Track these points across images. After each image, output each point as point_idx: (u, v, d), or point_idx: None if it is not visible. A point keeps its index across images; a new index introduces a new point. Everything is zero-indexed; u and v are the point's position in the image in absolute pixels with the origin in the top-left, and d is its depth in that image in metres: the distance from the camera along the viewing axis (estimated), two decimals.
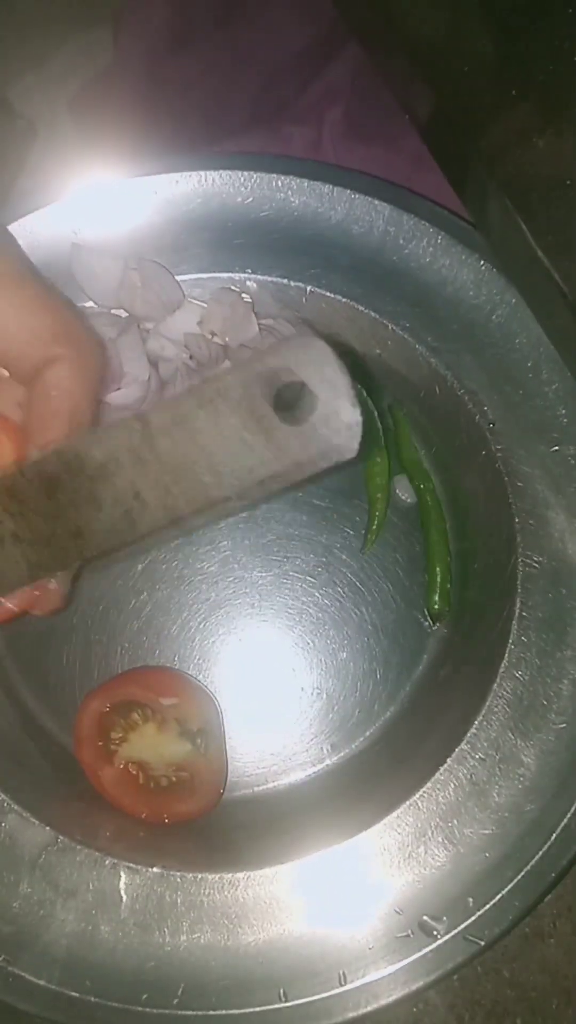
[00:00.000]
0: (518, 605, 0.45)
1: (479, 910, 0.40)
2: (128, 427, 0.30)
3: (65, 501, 0.31)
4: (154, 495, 0.30)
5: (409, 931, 0.40)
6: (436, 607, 0.48)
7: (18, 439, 0.35)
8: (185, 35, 0.56)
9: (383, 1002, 0.39)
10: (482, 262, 0.48)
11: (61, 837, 0.42)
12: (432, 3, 0.49)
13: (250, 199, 0.49)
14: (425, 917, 0.40)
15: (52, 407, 0.33)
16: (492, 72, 0.47)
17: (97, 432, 0.31)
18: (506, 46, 0.46)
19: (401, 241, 0.49)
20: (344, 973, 0.39)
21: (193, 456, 0.29)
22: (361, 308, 0.50)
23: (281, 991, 0.39)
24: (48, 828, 0.42)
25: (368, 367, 0.51)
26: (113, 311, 0.50)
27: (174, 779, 0.43)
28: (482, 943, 0.39)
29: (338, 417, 0.28)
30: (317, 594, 0.49)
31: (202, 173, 0.49)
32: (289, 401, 0.29)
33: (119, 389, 0.49)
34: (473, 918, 0.40)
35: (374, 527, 0.50)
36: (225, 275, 0.50)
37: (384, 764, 0.46)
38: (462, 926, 0.40)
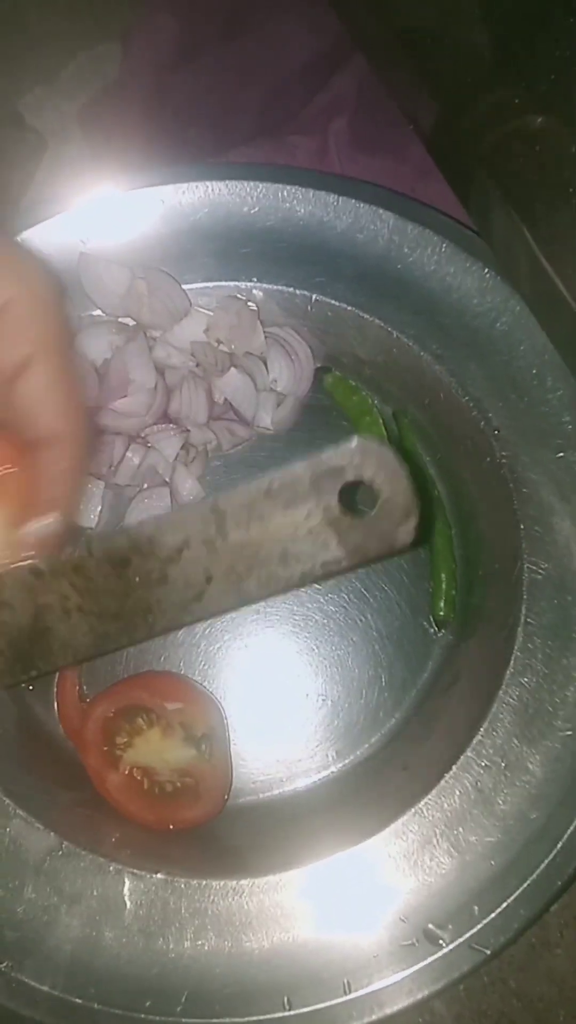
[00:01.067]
0: (523, 612, 0.45)
1: (484, 919, 0.40)
2: (201, 515, 0.32)
3: (135, 580, 0.32)
4: (225, 579, 0.32)
5: (414, 939, 0.40)
6: (441, 614, 0.48)
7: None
8: (192, 49, 0.56)
9: (388, 1011, 0.39)
10: (486, 270, 0.48)
11: (66, 842, 0.42)
12: (436, 16, 0.50)
13: (256, 209, 0.50)
14: (430, 925, 0.40)
15: (48, 491, 0.34)
16: (495, 83, 0.47)
17: (170, 517, 0.33)
18: (509, 57, 0.47)
19: (406, 250, 0.49)
20: (349, 981, 0.39)
21: (264, 544, 0.31)
22: (366, 316, 0.50)
23: (285, 999, 0.39)
24: (53, 833, 0.42)
25: (372, 376, 0.51)
26: (120, 319, 0.50)
27: (179, 785, 0.43)
28: (488, 952, 0.39)
29: (398, 512, 0.31)
30: (322, 600, 0.49)
31: (208, 183, 0.50)
32: (354, 497, 0.32)
33: (125, 396, 0.49)
34: (478, 927, 0.39)
35: None
36: (231, 284, 0.51)
37: (389, 771, 0.46)
38: (467, 935, 0.39)
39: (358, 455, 0.30)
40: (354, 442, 0.31)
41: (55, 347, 0.34)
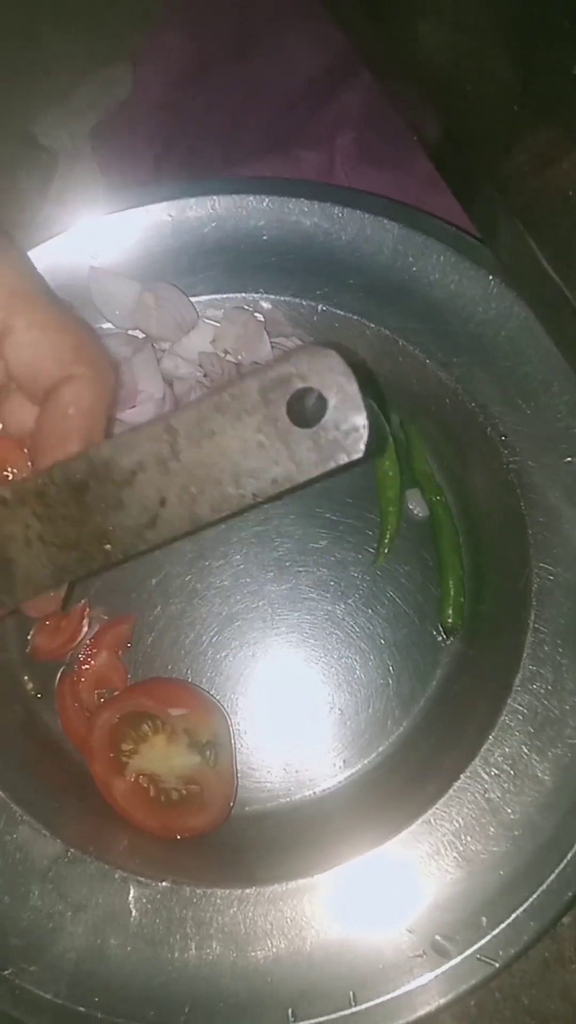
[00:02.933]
0: (532, 618, 0.44)
1: (493, 930, 0.39)
2: (155, 435, 0.32)
3: (92, 505, 0.32)
4: (179, 502, 0.32)
5: (422, 951, 0.39)
6: (450, 621, 0.48)
7: (32, 456, 0.36)
8: (200, 67, 0.58)
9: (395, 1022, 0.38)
10: (491, 277, 0.48)
11: (72, 849, 0.42)
12: (437, 32, 0.51)
13: (262, 222, 0.51)
14: (438, 937, 0.39)
15: (69, 424, 0.34)
16: (500, 94, 0.48)
17: (125, 438, 0.32)
18: (513, 69, 0.47)
19: (411, 259, 0.50)
20: (355, 993, 0.39)
21: (217, 463, 0.31)
22: (372, 325, 0.50)
23: (290, 1011, 0.38)
24: (59, 840, 0.42)
25: (379, 381, 0.51)
26: (129, 331, 0.51)
27: (184, 792, 0.43)
28: (496, 964, 0.38)
29: (347, 420, 0.30)
30: (330, 608, 0.49)
31: (215, 198, 0.51)
32: (301, 406, 0.31)
33: (134, 407, 0.50)
34: (487, 938, 0.39)
35: (386, 540, 0.49)
36: (238, 295, 0.51)
37: (397, 780, 0.45)
38: (476, 946, 0.39)
39: (304, 362, 0.30)
40: (300, 349, 0.30)
41: (28, 303, 0.34)
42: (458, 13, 0.49)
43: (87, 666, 0.45)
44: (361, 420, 0.30)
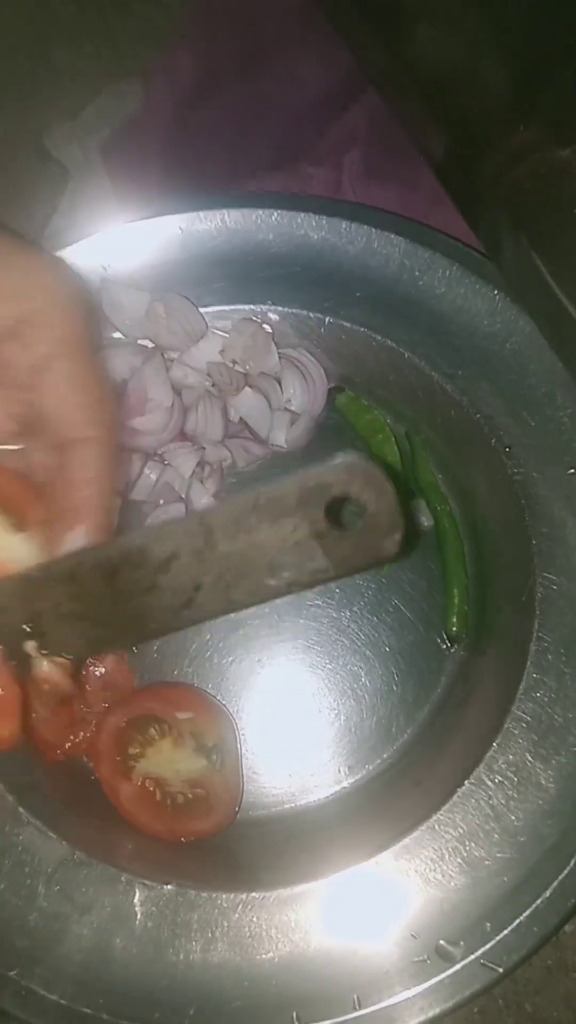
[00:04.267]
0: (536, 627, 0.45)
1: (497, 935, 0.39)
2: (189, 528, 0.32)
3: (125, 588, 0.32)
4: (214, 588, 0.32)
5: (426, 956, 0.39)
6: (454, 629, 0.49)
7: (36, 499, 0.36)
8: (210, 85, 0.59)
9: None
10: (496, 292, 0.49)
11: (77, 852, 0.42)
12: (443, 51, 0.52)
13: (271, 235, 0.52)
14: (442, 942, 0.39)
15: (78, 497, 0.35)
16: (505, 112, 0.49)
17: (160, 530, 0.33)
18: (517, 87, 0.48)
19: (417, 273, 0.50)
20: (359, 997, 0.39)
21: (251, 555, 0.32)
22: (378, 337, 0.51)
23: (295, 1014, 0.39)
24: (65, 842, 0.42)
25: (384, 396, 0.52)
26: (139, 341, 0.52)
27: (190, 796, 0.43)
28: (500, 970, 0.38)
29: (384, 526, 0.31)
30: (335, 615, 0.50)
31: (225, 211, 0.52)
32: (339, 511, 0.32)
33: (143, 415, 0.50)
34: (491, 944, 0.39)
35: None
36: (247, 307, 0.52)
37: (401, 786, 0.46)
38: (479, 951, 0.39)
39: (344, 472, 0.31)
40: (340, 459, 0.31)
41: (77, 350, 0.35)
42: (463, 33, 0.50)
43: (96, 670, 0.45)
44: (398, 530, 0.31)
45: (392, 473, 0.32)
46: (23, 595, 0.33)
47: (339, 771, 0.47)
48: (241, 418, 0.52)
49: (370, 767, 0.47)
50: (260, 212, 0.52)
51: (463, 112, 0.51)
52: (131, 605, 0.33)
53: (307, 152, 0.59)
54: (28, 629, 0.33)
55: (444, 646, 0.49)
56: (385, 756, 0.47)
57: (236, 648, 0.49)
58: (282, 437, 0.52)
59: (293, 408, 0.52)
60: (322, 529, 0.31)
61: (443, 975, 0.39)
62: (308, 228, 0.51)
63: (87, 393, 0.35)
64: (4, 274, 0.35)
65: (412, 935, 0.40)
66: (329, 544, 0.31)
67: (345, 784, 0.47)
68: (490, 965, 0.38)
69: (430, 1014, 0.38)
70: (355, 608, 0.50)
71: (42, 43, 0.66)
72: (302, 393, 0.52)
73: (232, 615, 0.49)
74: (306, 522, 0.31)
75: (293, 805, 0.47)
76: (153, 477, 0.51)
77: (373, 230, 0.51)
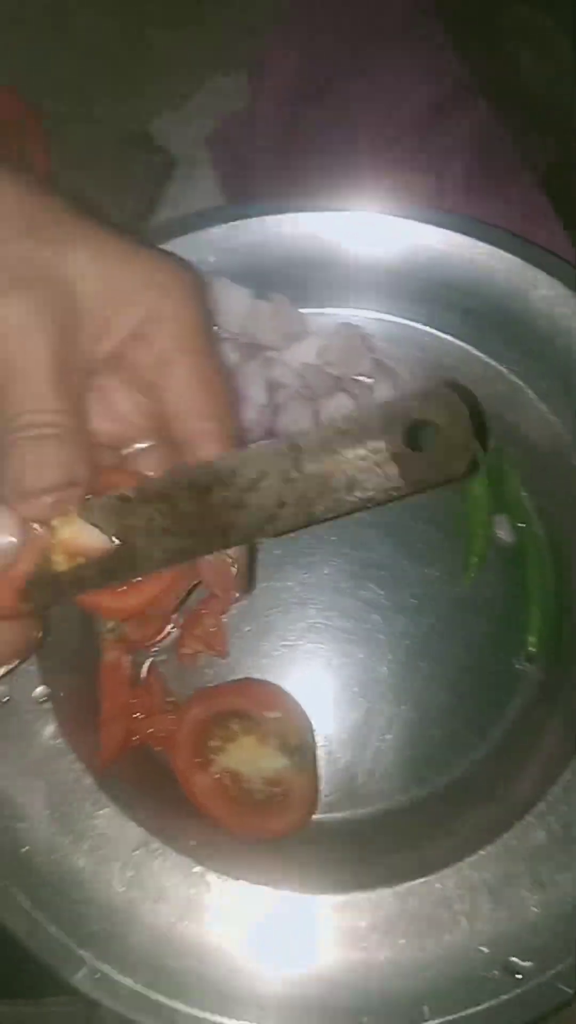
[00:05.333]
0: None
1: (568, 956, 0.39)
2: (279, 450, 0.34)
3: (214, 505, 0.35)
4: (297, 505, 0.35)
5: (495, 971, 0.40)
6: (532, 649, 0.49)
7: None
8: (320, 86, 0.59)
9: None
10: None
11: (152, 840, 0.43)
12: (561, 64, 0.52)
13: (374, 241, 0.52)
14: (513, 958, 0.40)
15: None
16: None
17: (251, 452, 0.35)
18: None
19: (519, 289, 0.50)
20: (426, 1009, 0.39)
21: (334, 475, 0.34)
22: (475, 351, 0.51)
23: (363, 1020, 0.39)
24: (141, 829, 0.43)
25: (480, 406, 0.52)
26: (239, 338, 0.52)
27: (267, 794, 0.44)
28: (572, 991, 0.39)
29: (457, 449, 0.34)
30: (411, 625, 0.50)
31: (330, 214, 0.52)
32: (416, 434, 0.34)
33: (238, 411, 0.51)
34: (562, 965, 0.39)
35: (472, 563, 0.50)
36: (346, 311, 0.52)
37: (472, 801, 0.46)
38: (551, 972, 0.39)
39: (426, 401, 0.33)
40: (423, 391, 0.34)
41: (193, 344, 0.35)
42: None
43: (195, 629, 0.45)
44: (469, 452, 0.34)
45: (468, 399, 0.34)
46: (118, 512, 0.34)
47: (408, 781, 0.48)
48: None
49: (439, 780, 0.47)
50: (365, 217, 0.52)
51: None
52: (218, 520, 0.35)
53: (409, 160, 0.59)
54: (116, 542, 0.35)
55: (520, 666, 0.49)
56: (455, 770, 0.48)
57: (310, 651, 0.49)
58: None
59: None
60: (400, 450, 0.33)
61: (513, 992, 0.39)
62: (413, 236, 0.51)
63: (210, 388, 0.36)
64: (127, 275, 0.35)
65: (482, 948, 0.40)
66: (404, 464, 0.34)
67: (413, 794, 0.47)
68: (561, 986, 0.39)
69: None
70: (431, 621, 0.50)
71: (143, 31, 0.66)
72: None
73: (307, 619, 0.50)
74: (386, 444, 0.33)
75: (359, 811, 0.47)
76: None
77: (479, 243, 0.51)
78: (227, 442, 0.36)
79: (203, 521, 0.35)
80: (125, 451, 0.39)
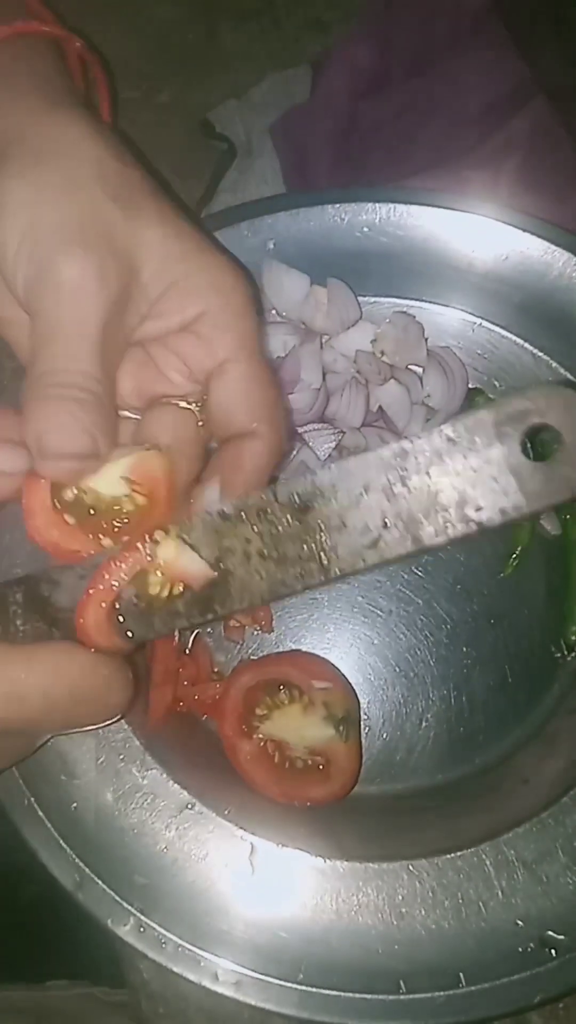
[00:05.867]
0: None
1: None
2: (383, 460, 0.32)
3: (314, 524, 0.33)
4: (403, 525, 0.32)
5: (530, 944, 0.41)
6: (573, 638, 0.50)
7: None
8: (383, 80, 0.60)
9: (502, 1010, 0.40)
10: None
11: (196, 802, 0.44)
12: None
13: (432, 233, 0.53)
14: (549, 932, 0.41)
15: (240, 476, 0.35)
16: None
17: (353, 463, 0.33)
18: None
19: (573, 285, 0.51)
20: (463, 976, 0.40)
21: (443, 490, 0.31)
22: (526, 345, 0.52)
23: (401, 983, 0.40)
24: (185, 792, 0.44)
25: None
26: (295, 322, 0.53)
27: (309, 762, 0.45)
28: None
29: None
30: (454, 610, 0.51)
31: (389, 205, 0.53)
32: (536, 441, 0.31)
33: (292, 393, 0.52)
34: None
35: (516, 553, 0.51)
36: (401, 300, 0.54)
37: (509, 783, 0.47)
38: None
39: (543, 399, 0.30)
40: (540, 386, 0.31)
41: (248, 351, 0.36)
42: None
43: None
44: None
45: None
46: (217, 530, 0.33)
47: (445, 759, 0.49)
48: (380, 408, 0.54)
49: (477, 760, 0.49)
50: (424, 210, 0.53)
51: None
52: (318, 544, 0.32)
53: (467, 155, 0.59)
54: (215, 573, 0.33)
55: (560, 654, 0.50)
56: (493, 751, 0.49)
57: (355, 628, 0.50)
58: (417, 431, 0.53)
59: (431, 404, 0.54)
60: (517, 460, 0.30)
61: (548, 964, 0.40)
62: (471, 231, 0.52)
63: (262, 394, 0.36)
64: (192, 269, 0.35)
65: (518, 922, 0.41)
66: (524, 477, 0.30)
67: (450, 773, 0.48)
68: None
69: (533, 1000, 0.40)
70: (475, 606, 0.51)
71: (209, 22, 0.68)
72: (442, 391, 0.53)
73: (355, 600, 0.51)
74: (501, 454, 0.30)
75: (398, 786, 0.48)
76: (291, 454, 0.53)
77: (534, 239, 0.52)
78: (276, 444, 0.36)
79: (301, 545, 0.32)
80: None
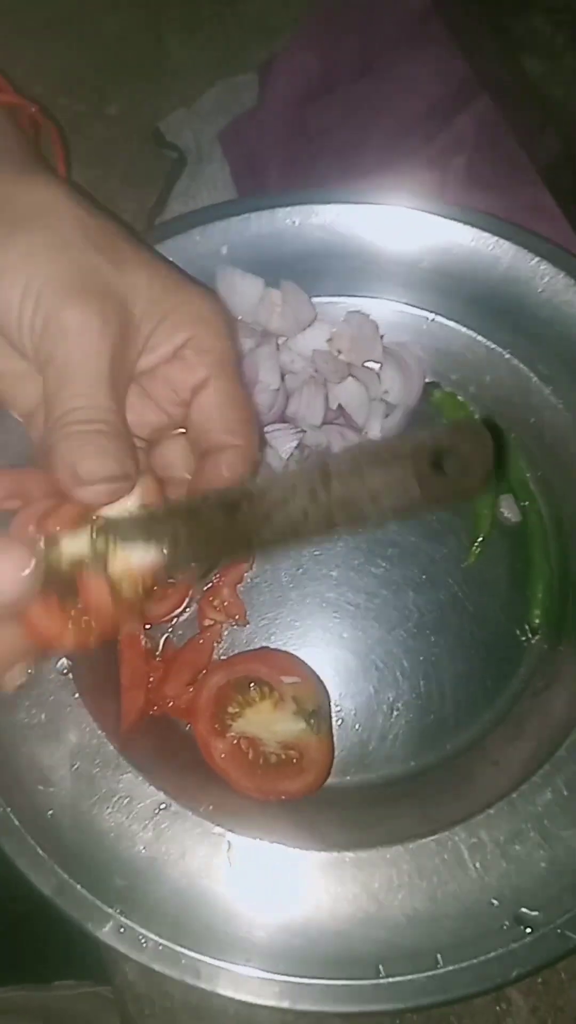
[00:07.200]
0: None
1: (574, 907, 0.41)
2: (309, 474, 0.35)
3: (241, 520, 0.35)
4: (320, 517, 0.35)
5: (505, 922, 0.41)
6: (536, 621, 0.51)
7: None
8: (329, 84, 0.61)
9: (479, 988, 0.40)
10: None
11: (172, 802, 0.45)
12: (563, 66, 0.54)
13: (382, 232, 0.54)
14: (523, 909, 0.41)
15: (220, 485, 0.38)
16: None
17: (282, 477, 0.37)
18: None
19: (523, 278, 0.53)
20: (441, 956, 0.41)
21: (360, 495, 0.35)
22: (479, 337, 0.53)
23: (380, 967, 0.41)
24: (161, 792, 0.45)
25: (480, 394, 0.54)
26: (251, 324, 0.54)
27: (283, 756, 0.45)
28: None
29: (478, 475, 0.34)
30: (420, 600, 0.52)
31: (338, 206, 0.54)
32: (442, 462, 0.35)
33: (251, 395, 0.53)
34: (569, 915, 0.41)
35: (478, 541, 0.52)
36: (355, 299, 0.54)
37: (480, 766, 0.48)
38: (559, 921, 0.41)
39: (456, 435, 0.34)
40: (452, 425, 0.35)
41: (227, 369, 0.39)
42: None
43: (213, 600, 0.47)
44: (488, 477, 0.34)
45: (491, 430, 0.35)
46: (145, 526, 0.35)
47: (417, 747, 0.49)
48: (340, 405, 0.54)
49: (448, 746, 0.49)
50: (373, 209, 0.54)
51: None
52: (243, 533, 0.35)
53: (415, 155, 0.61)
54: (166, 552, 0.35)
55: (525, 638, 0.51)
56: (463, 736, 0.50)
57: (325, 624, 0.51)
58: (377, 427, 0.54)
59: (390, 400, 0.55)
60: (426, 475, 0.34)
61: (523, 940, 0.41)
62: (420, 228, 0.53)
63: (238, 409, 0.39)
64: (178, 304, 0.38)
65: (493, 901, 0.42)
66: (426, 484, 0.34)
67: (423, 760, 0.49)
68: (569, 934, 0.41)
69: (510, 976, 0.40)
70: (440, 595, 0.52)
71: (157, 33, 0.69)
72: (400, 386, 0.54)
73: (322, 594, 0.52)
74: (413, 470, 0.34)
75: (371, 775, 0.49)
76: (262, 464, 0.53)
77: (484, 233, 0.53)
78: (250, 454, 0.39)
79: (227, 534, 0.36)
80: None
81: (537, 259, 0.52)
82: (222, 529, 0.35)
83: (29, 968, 0.67)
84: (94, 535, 0.35)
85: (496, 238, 0.53)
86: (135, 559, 0.35)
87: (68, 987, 0.67)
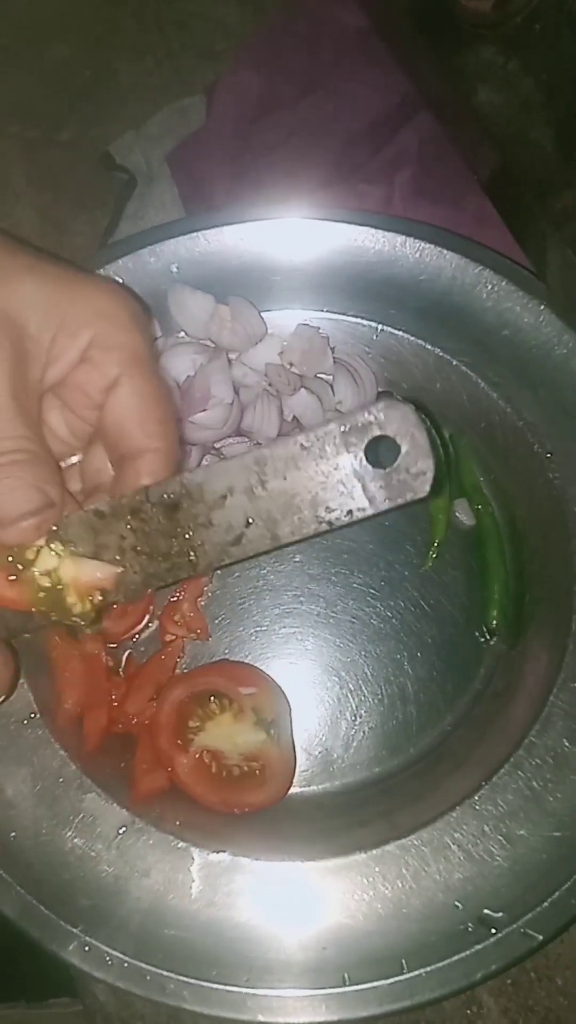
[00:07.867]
0: (574, 622, 0.47)
1: (537, 906, 0.41)
2: (245, 464, 0.36)
3: (183, 522, 0.36)
4: (263, 523, 0.36)
5: (469, 924, 0.42)
6: (494, 623, 0.51)
7: None
8: (273, 103, 0.62)
9: (445, 990, 0.40)
10: (542, 306, 0.52)
11: (136, 819, 0.45)
12: (501, 85, 0.55)
13: (329, 247, 0.55)
14: (485, 911, 0.42)
15: None
16: (557, 139, 0.52)
17: (217, 467, 0.36)
18: (570, 120, 0.52)
19: (467, 287, 0.54)
20: (406, 961, 0.41)
21: (299, 494, 0.36)
22: (427, 346, 0.54)
23: (345, 975, 0.41)
24: (125, 810, 0.45)
25: (431, 402, 0.55)
26: (202, 341, 0.55)
27: (246, 769, 0.45)
28: (541, 937, 0.41)
29: (416, 465, 0.35)
30: (380, 606, 0.52)
31: (286, 222, 0.55)
32: (377, 450, 0.36)
33: (205, 410, 0.53)
34: (531, 914, 0.41)
35: (435, 546, 0.53)
36: (305, 312, 0.55)
37: (442, 768, 0.48)
38: (521, 920, 0.41)
39: (383, 412, 0.34)
40: (380, 401, 0.34)
41: (138, 365, 0.37)
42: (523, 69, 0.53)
43: (174, 616, 0.47)
44: (428, 466, 0.35)
45: (427, 416, 0.36)
46: (92, 527, 0.35)
47: (381, 752, 0.50)
48: (295, 417, 0.55)
49: (412, 750, 0.50)
50: (320, 224, 0.55)
51: (518, 137, 0.54)
52: (186, 541, 0.36)
53: (361, 170, 0.62)
54: (119, 569, 0.36)
55: (483, 639, 0.52)
56: (425, 740, 0.50)
57: (285, 634, 0.51)
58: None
59: (343, 410, 0.55)
60: (361, 467, 0.34)
61: (487, 942, 0.41)
62: (365, 241, 0.54)
63: (154, 408, 0.37)
64: (74, 304, 0.36)
65: (457, 904, 0.42)
66: (367, 482, 0.34)
67: (387, 765, 0.49)
68: (531, 933, 0.41)
69: (475, 977, 0.41)
70: (400, 600, 0.52)
71: (106, 58, 0.70)
72: (352, 396, 0.55)
73: (282, 603, 0.52)
74: (347, 461, 0.34)
75: (338, 783, 0.49)
76: (184, 463, 0.53)
77: (427, 245, 0.54)
78: (170, 457, 0.37)
79: (171, 541, 0.35)
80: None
81: (480, 268, 0.53)
82: (165, 535, 0.35)
83: (23, 986, 0.66)
84: (48, 544, 0.35)
85: (440, 249, 0.54)
86: (85, 569, 0.35)
87: (63, 1005, 0.66)
